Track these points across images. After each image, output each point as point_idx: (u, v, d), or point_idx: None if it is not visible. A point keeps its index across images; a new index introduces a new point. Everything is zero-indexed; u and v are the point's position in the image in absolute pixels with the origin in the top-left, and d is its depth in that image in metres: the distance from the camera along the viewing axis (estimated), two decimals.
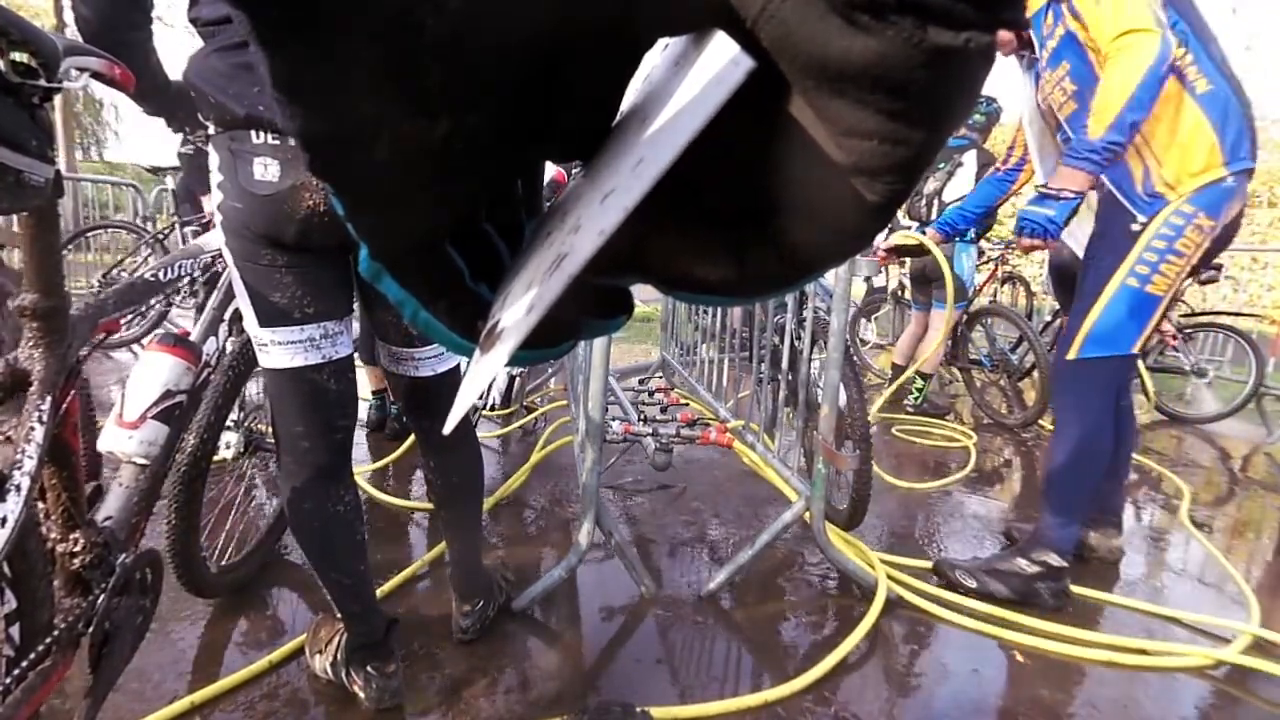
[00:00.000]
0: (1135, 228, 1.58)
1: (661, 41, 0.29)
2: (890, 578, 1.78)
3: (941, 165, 3.65)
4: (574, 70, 0.28)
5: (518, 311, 0.26)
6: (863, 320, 5.43)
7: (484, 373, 0.28)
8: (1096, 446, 1.70)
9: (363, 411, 2.88)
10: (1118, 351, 1.62)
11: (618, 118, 0.32)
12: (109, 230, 4.63)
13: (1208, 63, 1.52)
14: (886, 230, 4.62)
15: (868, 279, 4.98)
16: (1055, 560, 1.71)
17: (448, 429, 0.33)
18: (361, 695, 1.19)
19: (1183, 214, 1.54)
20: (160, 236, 3.80)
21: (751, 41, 0.22)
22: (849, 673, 1.43)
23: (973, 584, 1.74)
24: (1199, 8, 1.58)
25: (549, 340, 0.34)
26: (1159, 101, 1.49)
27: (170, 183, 3.01)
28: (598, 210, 0.24)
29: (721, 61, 0.22)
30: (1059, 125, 1.74)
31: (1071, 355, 1.67)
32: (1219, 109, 1.51)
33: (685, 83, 0.25)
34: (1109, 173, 1.60)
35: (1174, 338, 4.08)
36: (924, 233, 2.45)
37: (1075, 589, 1.80)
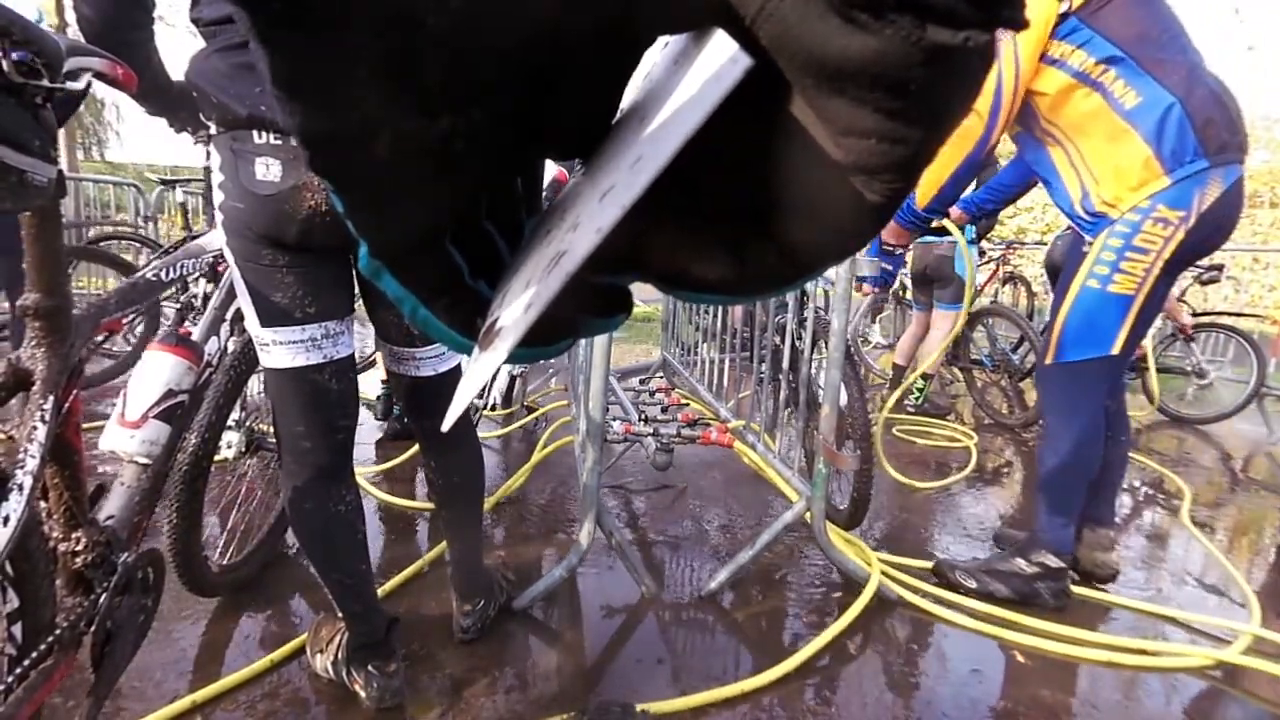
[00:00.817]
0: (1084, 249, 1.62)
1: (662, 39, 0.30)
2: (890, 578, 1.78)
3: None
4: (575, 68, 0.28)
5: (516, 309, 0.26)
6: (866, 320, 5.42)
7: (482, 370, 0.28)
8: (1085, 448, 1.69)
9: (368, 409, 2.89)
10: (1096, 353, 1.60)
11: (617, 115, 0.32)
12: (120, 241, 4.42)
13: (1138, 75, 1.47)
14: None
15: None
16: (1053, 561, 1.71)
17: (446, 425, 0.33)
18: (362, 694, 1.20)
19: (1139, 210, 1.50)
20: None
21: (750, 40, 0.22)
22: (849, 671, 1.43)
23: (973, 584, 1.74)
24: (1156, 8, 1.51)
25: (547, 338, 0.34)
26: (1089, 117, 1.52)
27: (180, 193, 2.81)
28: (596, 208, 0.24)
29: (720, 59, 0.22)
30: None
31: (1048, 360, 1.68)
32: (1152, 120, 1.46)
33: (684, 81, 0.25)
34: (1056, 199, 1.67)
35: (1183, 331, 4.12)
36: (946, 215, 2.28)
37: (1075, 589, 1.80)
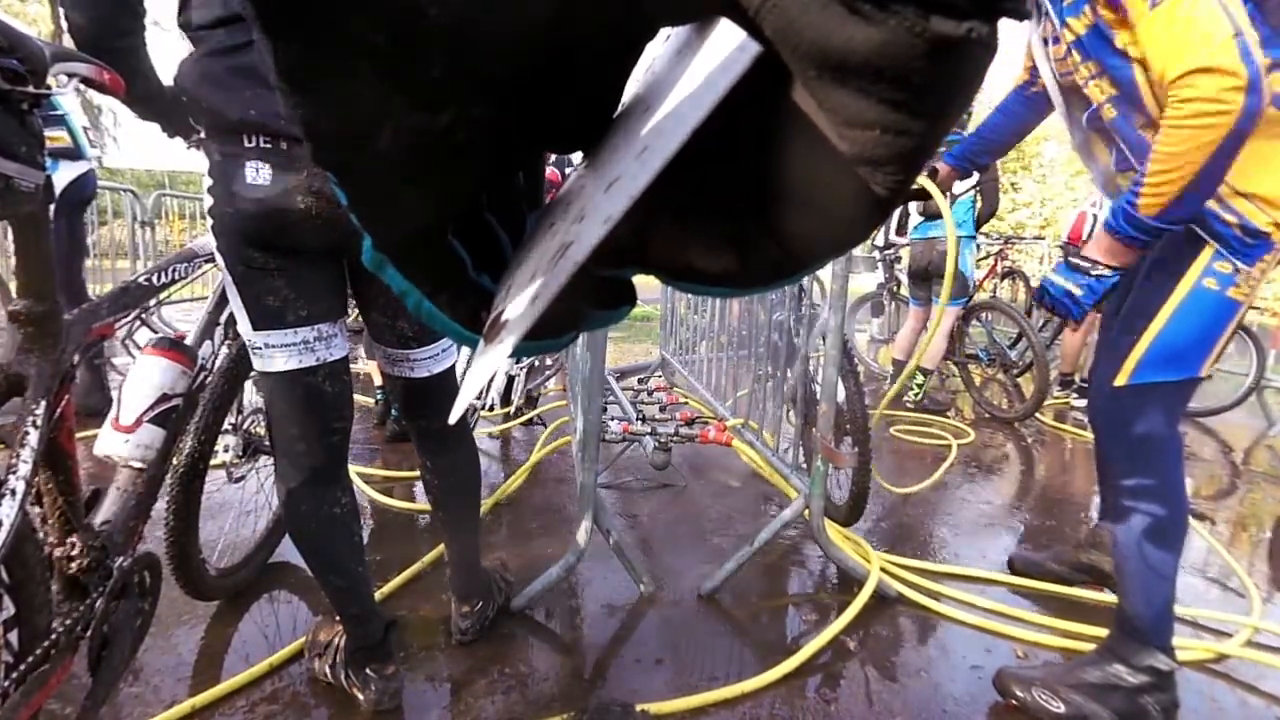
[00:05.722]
0: (1222, 268, 1.20)
1: (664, 32, 0.30)
2: (892, 575, 1.78)
3: None
4: (576, 61, 0.28)
5: (522, 302, 0.26)
6: (870, 315, 5.40)
7: (489, 363, 0.28)
8: (1174, 499, 1.30)
9: (360, 412, 2.88)
10: (1185, 374, 1.24)
11: (620, 108, 0.32)
12: (111, 233, 4.44)
13: None
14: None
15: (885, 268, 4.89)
16: (1164, 663, 1.30)
17: (452, 418, 0.34)
18: (361, 697, 1.19)
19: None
20: None
21: (754, 30, 0.22)
22: (849, 669, 1.43)
23: (1060, 708, 1.30)
24: None
25: (552, 331, 0.34)
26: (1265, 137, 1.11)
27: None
28: (603, 199, 0.24)
29: (727, 48, 0.22)
30: (1086, 102, 1.37)
31: (1121, 380, 1.26)
32: None
33: (690, 71, 0.25)
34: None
35: None
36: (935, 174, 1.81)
37: (1075, 589, 1.80)
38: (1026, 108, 1.66)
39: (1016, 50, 1.45)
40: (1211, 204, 1.17)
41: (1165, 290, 1.24)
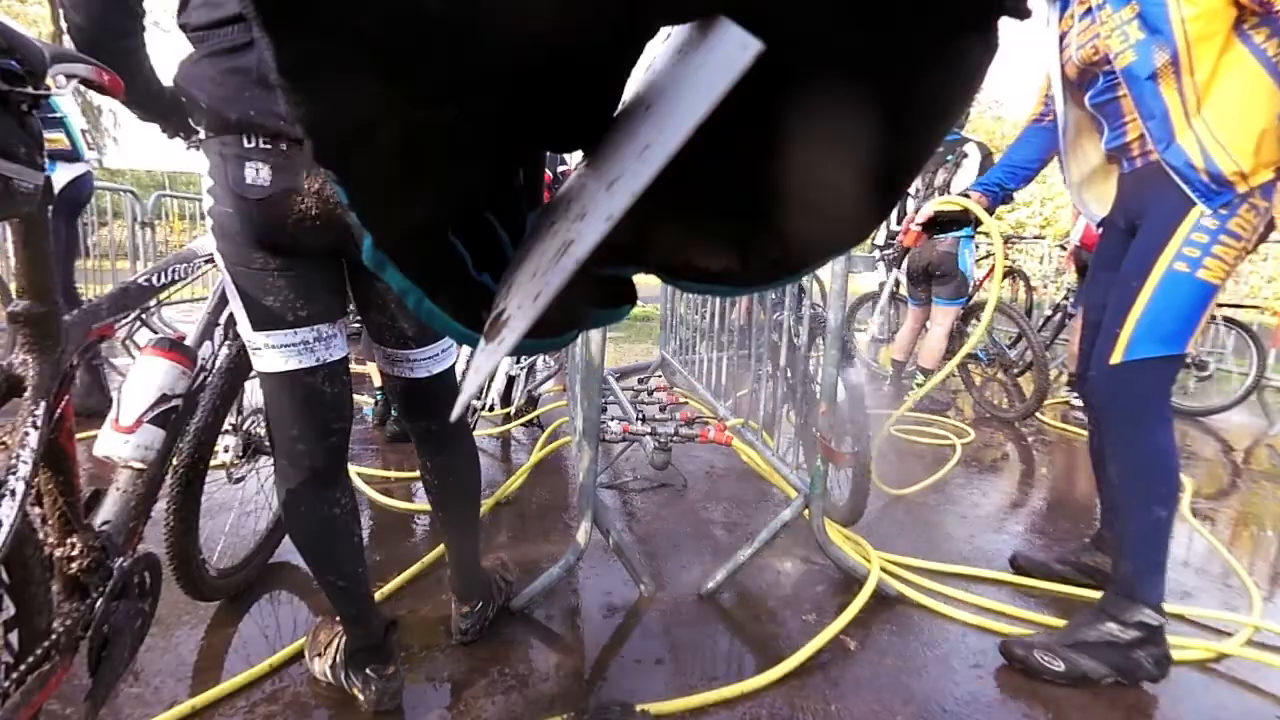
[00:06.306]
0: (1198, 214, 1.34)
1: (664, 32, 0.30)
2: (893, 575, 1.78)
3: (949, 158, 3.62)
4: (577, 60, 0.28)
5: (523, 300, 0.26)
6: (870, 315, 5.38)
7: (489, 361, 0.28)
8: (1171, 461, 1.42)
9: (363, 411, 2.88)
10: (1171, 350, 1.38)
11: (620, 107, 0.32)
12: (111, 234, 4.47)
13: None
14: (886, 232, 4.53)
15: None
16: (1152, 618, 1.39)
17: (454, 416, 0.34)
18: (361, 698, 1.19)
19: (1261, 189, 1.34)
20: None
21: (757, 26, 0.22)
22: (849, 668, 1.43)
23: (1060, 667, 1.39)
24: None
25: (553, 330, 0.34)
26: (1230, 71, 1.29)
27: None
28: (604, 197, 0.24)
29: (728, 47, 0.22)
30: (1089, 84, 1.52)
31: (1116, 359, 1.40)
32: None
33: (691, 68, 0.25)
34: (1166, 154, 1.37)
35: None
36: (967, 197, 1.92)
37: (1075, 588, 1.80)
38: (1044, 137, 1.82)
39: (1021, 54, 1.57)
40: (1190, 150, 1.33)
41: (1144, 269, 1.40)
